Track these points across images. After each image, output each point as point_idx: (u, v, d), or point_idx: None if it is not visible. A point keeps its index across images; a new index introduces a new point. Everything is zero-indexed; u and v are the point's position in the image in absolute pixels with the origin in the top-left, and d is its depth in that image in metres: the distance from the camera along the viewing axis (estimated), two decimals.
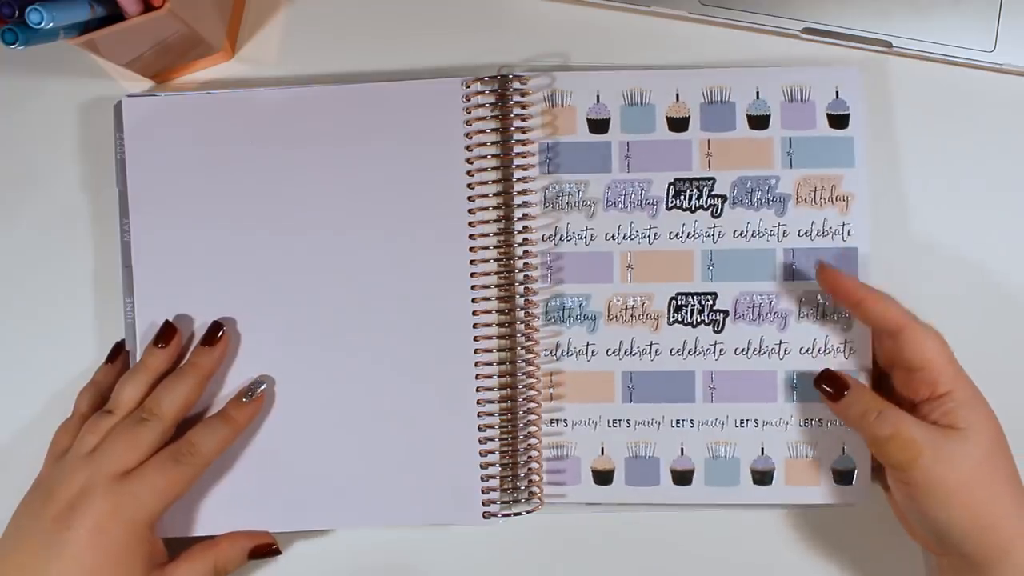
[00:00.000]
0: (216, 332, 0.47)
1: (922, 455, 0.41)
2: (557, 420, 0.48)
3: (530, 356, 0.47)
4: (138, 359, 0.47)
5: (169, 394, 0.45)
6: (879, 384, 0.47)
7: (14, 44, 0.40)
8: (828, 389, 0.45)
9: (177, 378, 0.46)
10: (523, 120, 0.47)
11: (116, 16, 0.42)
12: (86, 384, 0.48)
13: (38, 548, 0.42)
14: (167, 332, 0.47)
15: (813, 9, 0.48)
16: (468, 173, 0.47)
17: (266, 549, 0.47)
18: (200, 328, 0.47)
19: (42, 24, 0.39)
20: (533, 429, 0.47)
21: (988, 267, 0.48)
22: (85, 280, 0.51)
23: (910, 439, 0.41)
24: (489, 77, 0.47)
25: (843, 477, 0.47)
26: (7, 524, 0.43)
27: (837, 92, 0.47)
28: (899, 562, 0.48)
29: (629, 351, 0.47)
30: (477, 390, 0.47)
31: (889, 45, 0.48)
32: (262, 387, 0.47)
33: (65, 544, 0.41)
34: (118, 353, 0.49)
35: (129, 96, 0.48)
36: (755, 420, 0.47)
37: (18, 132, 0.51)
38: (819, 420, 0.47)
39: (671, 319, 0.47)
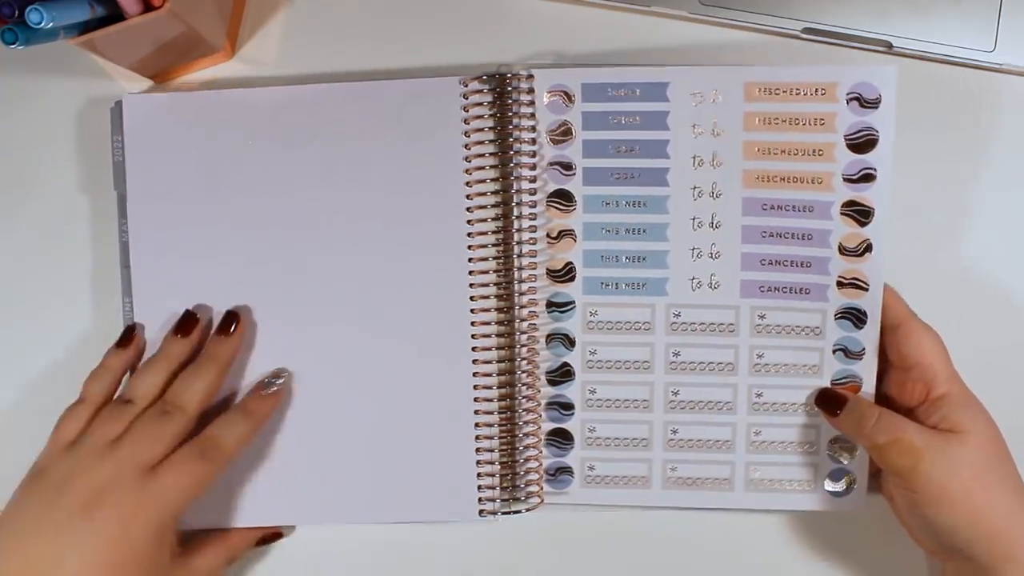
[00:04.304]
0: (231, 322, 0.47)
1: (922, 460, 0.40)
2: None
3: (530, 355, 0.47)
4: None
5: (191, 386, 0.44)
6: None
7: (14, 44, 0.40)
8: (827, 406, 0.45)
9: (197, 369, 0.45)
10: (522, 119, 0.47)
11: (116, 16, 0.42)
12: (95, 369, 0.47)
13: (57, 537, 0.40)
14: (188, 322, 0.46)
15: (813, 9, 0.48)
16: (466, 172, 0.47)
17: (273, 537, 0.49)
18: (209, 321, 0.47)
19: (42, 24, 0.39)
20: (532, 428, 0.47)
21: (987, 267, 0.48)
22: (84, 281, 0.51)
23: (910, 445, 0.41)
24: (487, 76, 0.47)
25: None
26: (7, 511, 0.42)
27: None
28: (903, 566, 0.48)
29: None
30: (475, 388, 0.47)
31: (889, 45, 0.48)
32: (281, 380, 0.47)
33: (89, 536, 0.40)
34: (130, 338, 0.48)
35: (130, 95, 0.48)
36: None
37: (18, 132, 0.51)
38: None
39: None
